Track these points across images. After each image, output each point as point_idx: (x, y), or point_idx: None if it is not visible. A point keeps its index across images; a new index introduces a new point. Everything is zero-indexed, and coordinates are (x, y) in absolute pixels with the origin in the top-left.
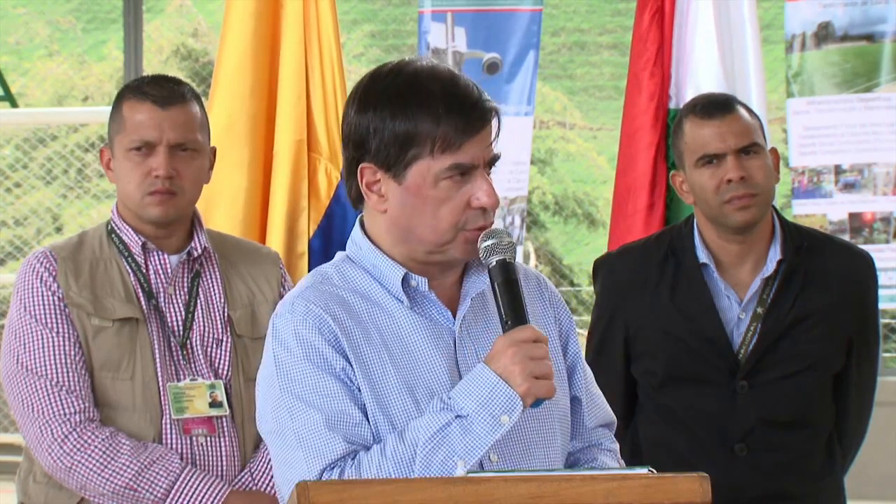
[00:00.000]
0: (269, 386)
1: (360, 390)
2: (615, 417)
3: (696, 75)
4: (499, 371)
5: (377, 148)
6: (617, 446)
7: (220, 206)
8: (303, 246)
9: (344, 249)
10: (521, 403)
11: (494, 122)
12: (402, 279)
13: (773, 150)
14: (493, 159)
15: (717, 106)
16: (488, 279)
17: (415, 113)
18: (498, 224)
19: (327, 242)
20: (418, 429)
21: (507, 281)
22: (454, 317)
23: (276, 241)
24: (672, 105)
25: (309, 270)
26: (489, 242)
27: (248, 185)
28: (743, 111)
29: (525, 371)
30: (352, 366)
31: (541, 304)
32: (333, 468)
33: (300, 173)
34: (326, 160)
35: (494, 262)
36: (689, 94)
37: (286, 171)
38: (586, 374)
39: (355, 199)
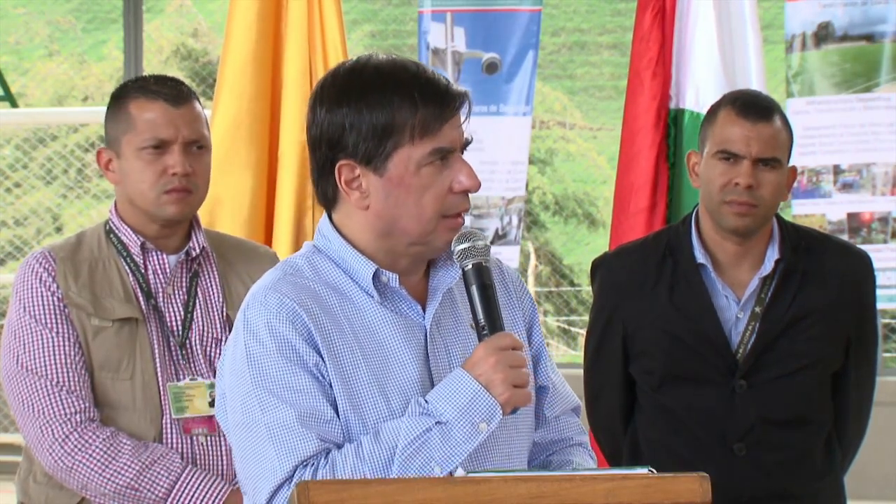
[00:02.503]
0: (239, 378)
1: (331, 386)
2: (579, 401)
3: (697, 75)
4: (480, 379)
5: (355, 143)
6: (586, 437)
7: (226, 207)
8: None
9: None
10: (500, 412)
11: (465, 106)
12: (374, 275)
13: (792, 169)
14: (467, 143)
15: (756, 109)
16: (459, 273)
17: (391, 102)
18: (496, 223)
19: None
20: (397, 432)
21: (483, 286)
22: (423, 311)
23: (282, 240)
24: (672, 105)
25: None
26: (464, 246)
27: (253, 186)
28: (779, 123)
29: (507, 380)
30: (324, 361)
31: (506, 296)
32: (307, 466)
33: (305, 173)
34: None
35: (470, 266)
36: (689, 95)
37: (292, 172)
38: (551, 361)
39: (331, 200)
